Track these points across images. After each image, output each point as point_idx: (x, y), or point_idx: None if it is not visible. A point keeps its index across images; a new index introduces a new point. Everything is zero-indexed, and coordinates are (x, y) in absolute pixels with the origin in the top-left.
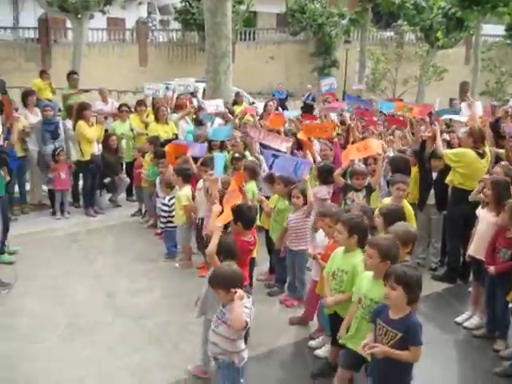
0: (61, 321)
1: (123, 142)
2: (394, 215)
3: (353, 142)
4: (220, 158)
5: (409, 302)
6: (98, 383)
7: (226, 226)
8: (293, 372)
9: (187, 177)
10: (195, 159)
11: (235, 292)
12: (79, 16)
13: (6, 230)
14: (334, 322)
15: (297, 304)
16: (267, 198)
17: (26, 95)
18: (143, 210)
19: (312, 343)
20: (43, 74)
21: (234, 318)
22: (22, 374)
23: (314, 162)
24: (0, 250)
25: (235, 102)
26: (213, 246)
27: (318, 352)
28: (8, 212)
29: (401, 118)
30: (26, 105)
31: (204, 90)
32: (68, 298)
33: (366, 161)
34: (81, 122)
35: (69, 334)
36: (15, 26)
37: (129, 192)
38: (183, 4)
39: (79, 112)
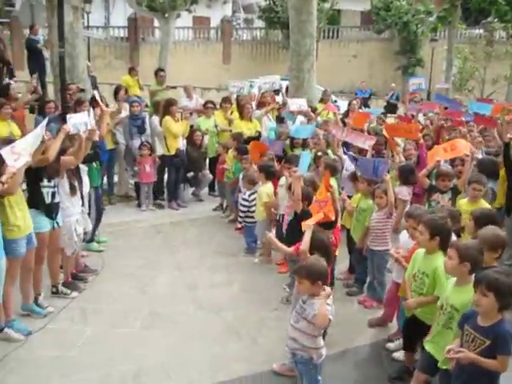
0: (144, 309)
1: (207, 138)
2: (486, 219)
3: (440, 143)
4: (305, 157)
5: (500, 308)
6: (177, 371)
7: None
8: (369, 373)
9: (270, 174)
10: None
11: (322, 286)
12: (166, 15)
13: (98, 219)
14: (409, 327)
15: (376, 305)
16: (349, 197)
17: (117, 91)
18: (224, 205)
19: (390, 345)
20: (132, 70)
21: (318, 315)
22: (105, 358)
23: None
24: (90, 239)
25: (321, 100)
26: (305, 244)
27: (396, 355)
28: (100, 203)
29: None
30: (116, 100)
31: (287, 87)
32: (151, 288)
33: (452, 162)
34: (167, 118)
35: (151, 322)
36: (106, 26)
37: (211, 187)
38: (267, 2)
39: (166, 108)
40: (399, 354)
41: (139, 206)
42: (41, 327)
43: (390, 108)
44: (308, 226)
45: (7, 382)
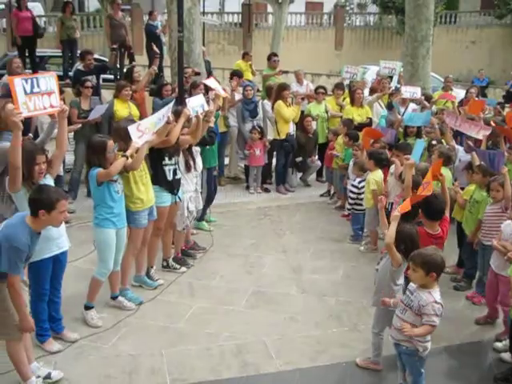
0: (248, 288)
1: (315, 124)
2: None
3: None
4: (419, 145)
5: None
6: (278, 351)
7: None
8: (473, 371)
9: (379, 161)
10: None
11: (435, 279)
12: (280, 1)
13: (209, 200)
14: None
15: (484, 302)
16: (462, 189)
17: (233, 75)
18: (332, 191)
19: (497, 345)
20: (245, 55)
21: (424, 328)
22: (209, 332)
23: None
24: (200, 217)
25: (443, 88)
26: (390, 236)
27: (504, 355)
28: (213, 183)
29: None
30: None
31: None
32: (257, 268)
33: None
34: (279, 102)
35: (255, 301)
36: (221, 11)
37: (319, 173)
38: None
39: (278, 92)
40: (507, 356)
41: (248, 188)
42: (151, 298)
43: (510, 97)
44: (395, 216)
45: (119, 347)
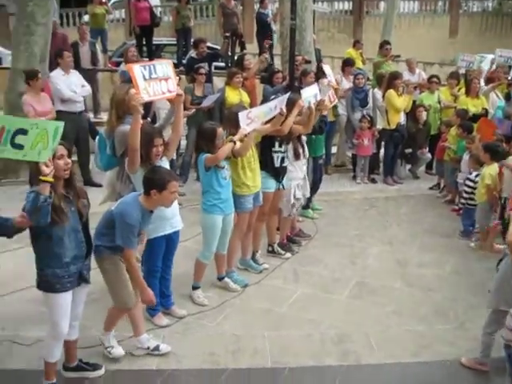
0: (351, 277)
1: (425, 114)
2: None
3: None
4: None
5: None
6: (380, 343)
7: None
8: None
9: (496, 154)
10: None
11: None
12: None
13: (314, 188)
14: None
15: None
16: None
17: (345, 64)
18: (441, 185)
19: None
20: (356, 44)
21: None
22: (311, 318)
23: None
24: (306, 205)
25: None
26: (511, 233)
27: None
28: (319, 172)
29: None
30: (343, 71)
31: None
32: (361, 259)
33: None
34: (391, 91)
35: (358, 292)
36: None
37: (429, 165)
38: None
39: (390, 81)
40: None
41: (354, 178)
42: (255, 282)
43: None
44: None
45: (223, 326)
